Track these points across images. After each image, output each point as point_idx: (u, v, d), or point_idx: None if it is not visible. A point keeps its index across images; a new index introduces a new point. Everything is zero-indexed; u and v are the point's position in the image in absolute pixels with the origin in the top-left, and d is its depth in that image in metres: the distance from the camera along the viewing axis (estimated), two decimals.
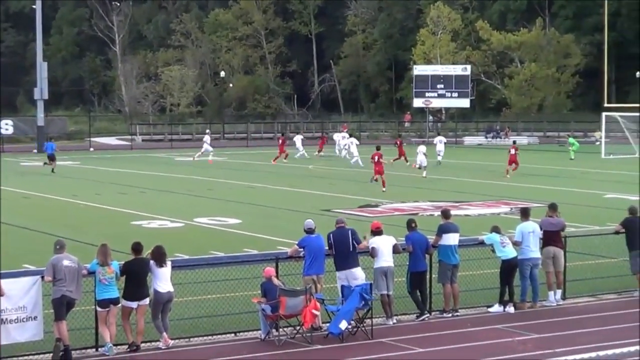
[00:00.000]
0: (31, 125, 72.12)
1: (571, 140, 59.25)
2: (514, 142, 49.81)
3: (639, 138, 65.15)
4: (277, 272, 16.14)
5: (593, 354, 7.38)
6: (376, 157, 39.00)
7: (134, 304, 15.00)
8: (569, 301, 18.47)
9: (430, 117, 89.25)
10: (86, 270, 14.97)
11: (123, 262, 15.22)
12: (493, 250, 17.80)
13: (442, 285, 17.37)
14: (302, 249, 16.61)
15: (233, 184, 42.20)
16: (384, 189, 37.94)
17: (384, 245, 16.77)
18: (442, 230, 17.53)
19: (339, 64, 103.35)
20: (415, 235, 17.24)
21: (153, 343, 15.17)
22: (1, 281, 14.38)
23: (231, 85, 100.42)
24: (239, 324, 16.10)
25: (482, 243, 18.29)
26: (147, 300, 15.09)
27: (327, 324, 15.75)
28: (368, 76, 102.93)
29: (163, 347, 15.02)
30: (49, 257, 14.95)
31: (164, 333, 15.09)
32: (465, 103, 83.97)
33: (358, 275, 16.40)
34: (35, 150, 66.59)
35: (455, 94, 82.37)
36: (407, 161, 50.23)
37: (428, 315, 17.11)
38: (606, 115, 63.63)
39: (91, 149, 69.44)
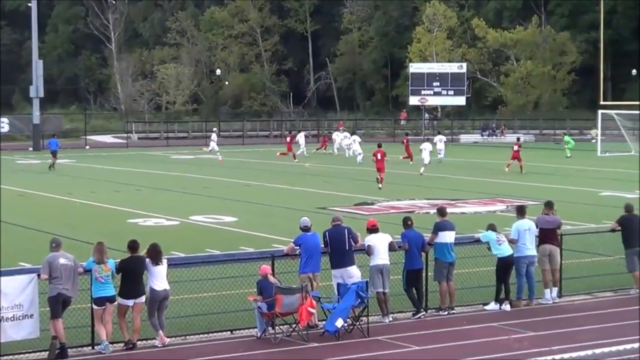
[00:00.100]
0: (27, 123, 72.07)
1: (567, 138, 59.31)
2: (518, 139, 49.84)
3: (635, 136, 65.29)
4: (273, 270, 16.14)
5: (589, 352, 7.39)
6: (378, 155, 39.19)
7: (130, 302, 14.99)
8: (565, 299, 18.49)
9: (426, 115, 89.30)
10: (82, 268, 14.96)
11: (119, 260, 15.22)
12: (489, 248, 17.80)
13: (438, 283, 17.37)
14: (298, 247, 16.60)
15: (229, 181, 42.19)
16: (379, 186, 38.03)
17: (380, 243, 16.76)
18: (438, 228, 17.53)
19: (334, 61, 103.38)
20: (411, 233, 17.24)
21: (149, 341, 15.16)
22: (1, 279, 14.39)
23: (227, 83, 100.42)
24: (235, 321, 16.09)
25: (478, 241, 18.30)
26: (143, 298, 15.09)
27: (323, 322, 15.75)
28: (364, 74, 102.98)
29: (159, 345, 15.01)
30: (45, 255, 14.93)
31: (160, 331, 15.08)
32: (461, 101, 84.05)
33: (353, 274, 16.39)
34: (30, 149, 66.59)
35: (451, 92, 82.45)
36: (412, 160, 50.00)
37: (424, 313, 17.11)
38: (602, 113, 63.75)
39: (87, 147, 69.40)
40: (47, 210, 32.26)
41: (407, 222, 17.47)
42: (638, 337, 14.16)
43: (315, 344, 15.16)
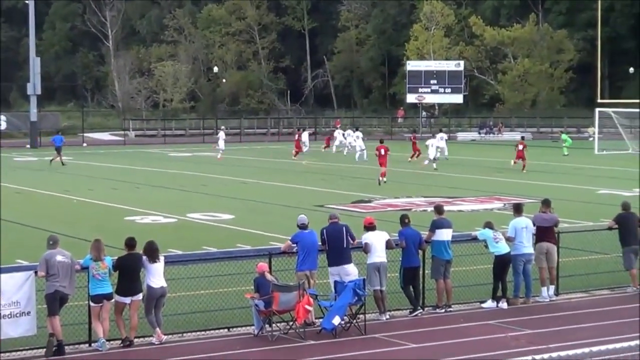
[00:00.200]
0: (24, 120, 72.01)
1: (564, 136, 59.32)
2: (522, 138, 49.85)
3: (632, 134, 65.30)
4: (270, 267, 16.14)
5: (586, 350, 7.39)
6: (382, 150, 39.39)
7: (127, 300, 14.99)
8: (562, 297, 18.50)
9: (424, 113, 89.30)
10: (79, 266, 14.95)
11: (116, 258, 15.21)
12: (486, 246, 17.81)
13: (435, 280, 17.37)
14: (295, 245, 16.61)
15: (226, 179, 42.18)
16: (384, 180, 38.35)
17: (377, 241, 16.77)
18: (436, 225, 17.54)
19: (332, 59, 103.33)
20: (409, 231, 17.24)
21: (146, 338, 15.16)
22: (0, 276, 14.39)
23: (224, 80, 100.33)
24: (232, 319, 16.10)
25: (475, 239, 18.30)
26: (140, 296, 15.08)
27: (320, 320, 15.75)
28: (361, 72, 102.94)
29: (156, 343, 15.01)
30: (42, 253, 14.93)
31: (157, 328, 15.08)
32: (458, 99, 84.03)
33: (351, 272, 16.40)
34: (28, 146, 66.54)
35: (449, 90, 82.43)
36: (417, 157, 49.88)
37: (421, 310, 17.12)
38: (599, 111, 63.76)
39: (84, 145, 69.33)
40: (44, 208, 32.24)
41: (404, 220, 17.47)
42: (637, 334, 14.19)
43: (312, 342, 15.17)
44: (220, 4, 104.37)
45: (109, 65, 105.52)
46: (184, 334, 15.51)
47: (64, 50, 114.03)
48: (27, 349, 14.48)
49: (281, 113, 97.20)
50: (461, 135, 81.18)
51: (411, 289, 17.11)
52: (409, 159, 50.61)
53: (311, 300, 15.61)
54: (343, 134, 60.73)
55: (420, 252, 17.31)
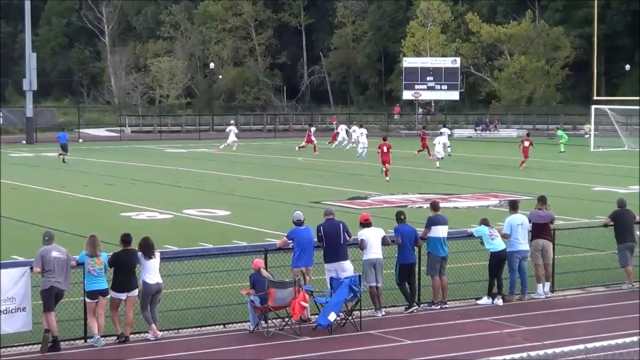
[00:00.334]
0: (20, 116, 71.92)
1: (560, 133, 59.34)
2: (528, 135, 49.82)
3: (627, 131, 65.40)
4: (266, 263, 16.14)
5: (581, 346, 7.38)
6: (384, 148, 39.54)
7: (122, 296, 14.98)
8: (558, 294, 18.52)
9: (420, 110, 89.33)
10: (75, 262, 14.94)
11: (111, 254, 15.20)
12: (482, 243, 17.82)
13: (431, 277, 17.38)
14: (290, 241, 16.61)
15: (222, 175, 42.17)
16: (387, 179, 38.59)
17: (373, 237, 16.77)
18: (431, 222, 17.54)
19: (328, 56, 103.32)
20: (404, 228, 17.25)
21: (142, 334, 15.16)
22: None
23: (220, 76, 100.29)
24: (228, 315, 16.10)
25: (471, 235, 18.30)
26: (135, 292, 15.08)
27: (316, 316, 15.76)
28: (358, 68, 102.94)
29: (152, 339, 15.01)
30: (37, 249, 14.92)
31: (153, 324, 15.07)
32: (454, 95, 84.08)
33: (347, 268, 16.42)
34: (24, 142, 66.46)
35: (445, 87, 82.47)
36: (430, 154, 49.88)
37: (417, 307, 17.13)
38: (595, 108, 63.80)
39: (80, 140, 69.24)
40: (40, 204, 32.21)
41: (400, 217, 17.48)
42: (632, 331, 14.22)
43: (308, 338, 15.17)
44: (217, 0, 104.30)
45: (105, 61, 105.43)
46: (180, 330, 15.51)
47: (60, 46, 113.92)
48: (22, 345, 14.46)
49: (277, 109, 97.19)
50: (457, 132, 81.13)
51: (407, 285, 17.11)
52: (415, 152, 50.73)
53: (307, 296, 15.62)
54: (346, 130, 60.63)
55: (416, 248, 17.31)
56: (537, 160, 47.45)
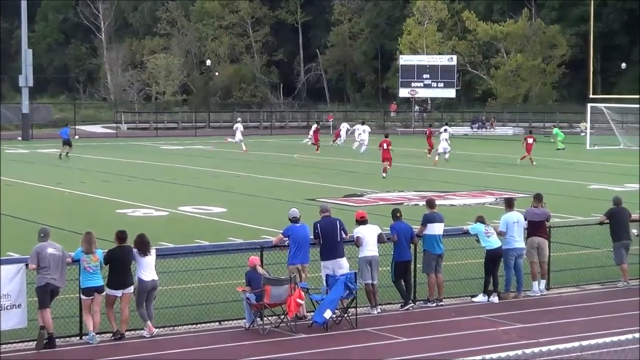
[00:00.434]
0: (16, 112, 71.84)
1: (555, 131, 59.33)
2: (530, 132, 49.84)
3: (624, 129, 65.47)
4: (261, 261, 16.13)
5: (576, 344, 7.39)
6: (385, 145, 39.62)
7: (118, 293, 14.97)
8: (553, 291, 18.54)
9: (416, 107, 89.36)
10: (70, 259, 14.92)
11: (106, 250, 15.18)
12: (478, 240, 17.83)
13: (427, 275, 17.38)
14: (286, 238, 16.60)
15: (218, 172, 42.14)
16: (384, 175, 38.77)
17: (368, 235, 16.77)
18: (427, 220, 17.54)
19: (325, 53, 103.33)
20: (400, 225, 17.24)
21: (137, 331, 15.14)
22: None
23: (217, 74, 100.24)
24: (224, 312, 16.09)
25: (466, 233, 18.31)
26: (131, 289, 15.06)
27: (312, 313, 15.75)
28: (354, 66, 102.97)
29: (147, 336, 14.99)
30: (33, 245, 14.90)
31: (149, 321, 15.06)
32: (451, 93, 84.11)
33: (344, 265, 16.41)
34: (19, 138, 66.37)
35: (441, 84, 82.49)
36: (434, 153, 49.79)
37: (412, 304, 17.13)
38: (591, 106, 63.86)
39: (76, 137, 68.96)
40: (35, 200, 32.17)
41: (396, 214, 17.48)
42: (632, 328, 14.23)
43: (304, 335, 15.17)
44: None
45: (101, 57, 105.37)
46: (175, 327, 15.50)
47: (56, 43, 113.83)
48: (17, 342, 14.44)
49: (274, 107, 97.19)
50: (453, 130, 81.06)
51: (402, 282, 17.11)
52: (428, 154, 50.41)
53: (302, 293, 15.61)
54: (348, 128, 60.51)
55: (412, 246, 17.32)
56: (533, 158, 47.37)
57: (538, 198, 18.96)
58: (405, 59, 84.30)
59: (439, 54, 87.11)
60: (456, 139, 72.31)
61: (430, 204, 18.13)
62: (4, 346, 14.34)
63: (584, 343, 8.07)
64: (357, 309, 15.92)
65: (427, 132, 53.66)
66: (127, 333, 15.00)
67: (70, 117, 76.29)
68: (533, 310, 16.96)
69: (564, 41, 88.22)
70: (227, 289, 16.61)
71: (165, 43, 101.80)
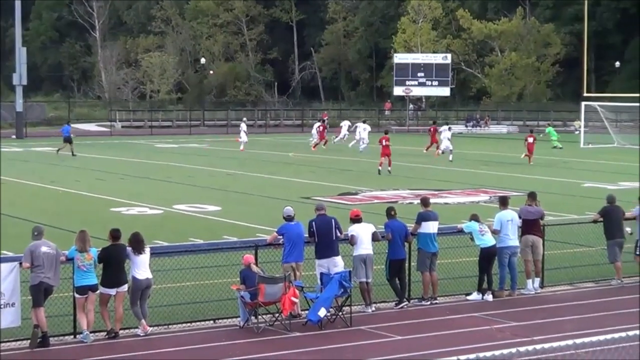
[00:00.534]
0: (10, 111, 71.67)
1: (548, 129, 59.30)
2: (532, 131, 49.93)
3: (617, 128, 65.57)
4: (256, 259, 16.13)
5: (570, 342, 7.39)
6: (384, 141, 39.88)
7: (112, 291, 14.95)
8: (547, 289, 18.57)
9: (411, 106, 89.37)
10: (64, 257, 14.90)
11: (100, 249, 15.16)
12: (472, 239, 17.85)
13: (421, 273, 17.39)
14: (281, 237, 16.60)
15: (213, 170, 42.11)
16: (389, 169, 39.52)
17: (363, 233, 16.77)
18: (422, 218, 17.55)
19: (319, 51, 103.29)
20: (395, 223, 17.25)
21: (131, 330, 15.14)
22: None
23: (211, 72, 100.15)
24: (218, 311, 16.08)
25: (461, 231, 18.33)
26: (125, 287, 15.05)
27: (306, 312, 15.76)
28: (349, 64, 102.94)
29: (141, 334, 14.98)
30: (27, 244, 14.87)
31: (143, 320, 15.05)
32: (445, 92, 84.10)
33: (339, 263, 16.42)
34: (14, 136, 66.24)
35: (436, 83, 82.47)
36: (438, 149, 49.78)
37: (407, 303, 17.15)
38: (585, 105, 63.94)
39: (71, 135, 68.96)
40: (29, 198, 32.09)
41: (390, 212, 17.49)
42: (626, 326, 14.25)
43: (298, 334, 15.17)
44: None
45: (95, 55, 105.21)
46: (170, 326, 15.49)
47: (50, 41, 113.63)
48: (11, 341, 14.42)
49: (268, 105, 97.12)
50: (441, 129, 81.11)
51: (397, 281, 17.13)
52: (425, 150, 50.85)
53: (297, 292, 15.62)
54: (349, 126, 60.41)
55: (406, 244, 17.32)
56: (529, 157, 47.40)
57: (532, 196, 19.00)
58: (399, 58, 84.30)
59: (434, 52, 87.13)
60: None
61: (425, 202, 18.15)
62: None
63: (578, 341, 8.08)
64: (352, 307, 15.93)
65: (432, 129, 53.68)
66: (121, 332, 14.99)
67: (64, 116, 76.17)
68: (527, 309, 16.99)
69: (558, 40, 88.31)
70: (221, 288, 16.61)
71: (159, 41, 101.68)
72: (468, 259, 18.61)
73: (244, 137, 55.33)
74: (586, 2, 66.23)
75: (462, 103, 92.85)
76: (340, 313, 15.77)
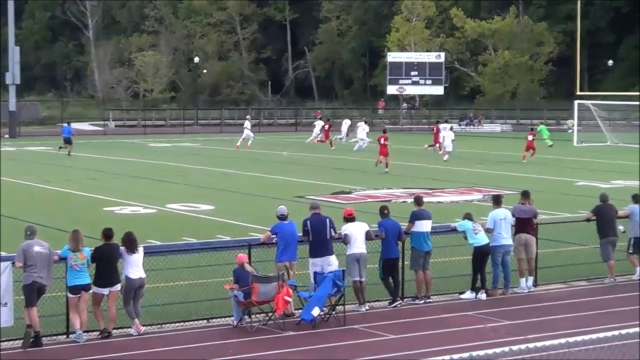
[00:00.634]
0: (3, 110, 71.45)
1: (540, 127, 59.29)
2: (532, 129, 50.06)
3: (610, 126, 65.66)
4: (249, 258, 16.12)
5: (563, 340, 7.40)
6: (382, 140, 40.01)
7: (105, 291, 14.93)
8: (540, 288, 18.59)
9: (404, 104, 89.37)
10: (57, 256, 14.87)
11: (93, 248, 15.13)
12: (465, 237, 17.85)
13: (415, 272, 17.40)
14: (274, 236, 16.59)
15: (206, 170, 42.08)
16: (386, 170, 39.38)
17: (356, 232, 16.77)
18: (415, 217, 17.55)
19: (313, 50, 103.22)
20: (388, 222, 17.25)
21: (125, 329, 15.12)
22: None
23: (205, 71, 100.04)
24: (212, 310, 16.07)
25: (454, 230, 18.34)
26: (118, 287, 15.02)
27: (300, 311, 15.75)
28: (342, 63, 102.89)
29: (135, 334, 14.96)
30: (19, 243, 14.85)
31: (136, 319, 15.03)
32: (439, 90, 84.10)
33: (333, 262, 16.42)
34: (7, 135, 66.11)
35: (429, 81, 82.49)
36: (441, 149, 49.76)
37: (400, 301, 17.15)
38: (578, 104, 64.01)
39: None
40: (22, 198, 32.02)
41: (383, 211, 17.49)
42: (619, 325, 14.28)
43: (292, 333, 15.17)
44: None
45: (89, 55, 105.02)
46: (163, 325, 15.47)
47: (43, 40, 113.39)
48: (4, 341, 14.38)
49: (262, 104, 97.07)
50: (441, 127, 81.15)
51: (390, 280, 17.13)
52: (426, 146, 50.93)
53: (290, 291, 15.61)
54: (349, 126, 60.35)
55: (400, 243, 17.32)
56: (521, 155, 47.48)
57: (525, 195, 19.02)
58: (393, 56, 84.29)
59: (427, 51, 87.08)
60: None
61: (418, 201, 18.16)
62: None
63: (572, 339, 8.09)
64: (345, 306, 15.93)
65: (435, 128, 53.71)
66: (114, 331, 14.97)
67: (57, 115, 76.06)
68: (520, 307, 17.00)
69: (551, 38, 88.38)
70: (214, 287, 16.59)
71: (153, 40, 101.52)
72: (461, 258, 18.62)
73: (247, 134, 55.22)
74: (579, 1, 66.30)
75: (456, 102, 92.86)
76: (334, 312, 15.77)
